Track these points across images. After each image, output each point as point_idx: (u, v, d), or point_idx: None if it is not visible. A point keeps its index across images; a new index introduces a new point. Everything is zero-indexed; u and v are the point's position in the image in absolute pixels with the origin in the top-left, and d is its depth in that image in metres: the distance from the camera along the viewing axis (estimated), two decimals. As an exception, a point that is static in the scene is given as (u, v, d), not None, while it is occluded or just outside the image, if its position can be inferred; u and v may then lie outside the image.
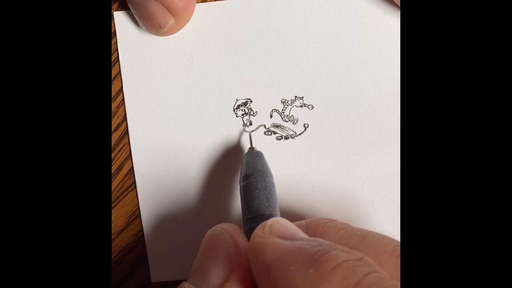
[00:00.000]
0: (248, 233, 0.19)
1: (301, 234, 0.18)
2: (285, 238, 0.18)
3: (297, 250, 0.16)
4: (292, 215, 0.26)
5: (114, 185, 0.27)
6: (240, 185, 0.23)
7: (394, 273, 0.18)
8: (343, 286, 0.15)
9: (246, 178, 0.23)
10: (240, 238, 0.20)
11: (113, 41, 0.27)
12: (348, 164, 0.26)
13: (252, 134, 0.26)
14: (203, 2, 0.26)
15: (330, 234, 0.21)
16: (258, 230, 0.18)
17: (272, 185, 0.23)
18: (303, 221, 0.22)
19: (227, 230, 0.20)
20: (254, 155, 0.24)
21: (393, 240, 0.20)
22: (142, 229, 0.27)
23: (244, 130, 0.26)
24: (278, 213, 0.22)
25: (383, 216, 0.26)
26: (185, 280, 0.20)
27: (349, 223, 0.21)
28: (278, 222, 0.19)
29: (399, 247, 0.19)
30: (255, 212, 0.21)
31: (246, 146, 0.26)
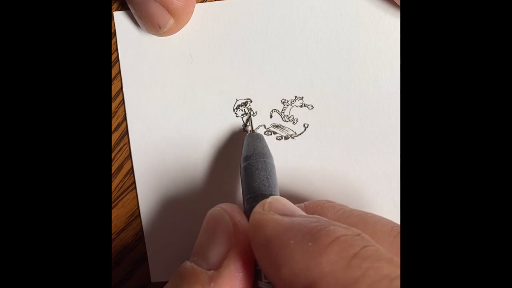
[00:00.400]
0: (248, 212, 0.20)
1: (300, 211, 0.19)
2: (284, 214, 0.18)
3: (296, 225, 0.17)
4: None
5: (114, 185, 0.27)
6: (240, 167, 0.23)
7: (390, 251, 0.18)
8: (341, 258, 0.15)
9: (246, 159, 0.23)
10: (239, 217, 0.20)
11: (113, 41, 0.27)
12: (348, 164, 0.26)
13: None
14: (203, 2, 0.26)
15: (328, 214, 0.21)
16: (258, 208, 0.19)
17: (272, 166, 0.23)
18: (302, 204, 0.22)
19: (226, 210, 0.21)
20: (255, 137, 0.24)
21: (390, 222, 0.20)
22: (142, 229, 0.27)
23: (244, 130, 0.26)
24: (278, 193, 0.23)
25: (383, 216, 0.26)
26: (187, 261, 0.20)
27: (347, 205, 0.22)
28: (278, 200, 0.19)
29: (396, 228, 0.19)
30: (256, 192, 0.22)
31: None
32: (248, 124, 0.26)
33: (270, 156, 0.24)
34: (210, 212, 0.21)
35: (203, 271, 0.19)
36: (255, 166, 0.23)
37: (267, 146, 0.24)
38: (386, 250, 0.16)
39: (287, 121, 0.26)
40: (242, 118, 0.26)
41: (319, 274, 0.15)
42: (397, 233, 0.19)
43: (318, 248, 0.15)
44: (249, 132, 0.25)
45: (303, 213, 0.19)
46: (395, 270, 0.15)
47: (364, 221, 0.20)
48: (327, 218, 0.18)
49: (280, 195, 0.24)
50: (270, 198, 0.19)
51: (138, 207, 0.27)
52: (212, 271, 0.19)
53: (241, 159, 0.24)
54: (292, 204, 0.19)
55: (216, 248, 0.20)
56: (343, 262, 0.15)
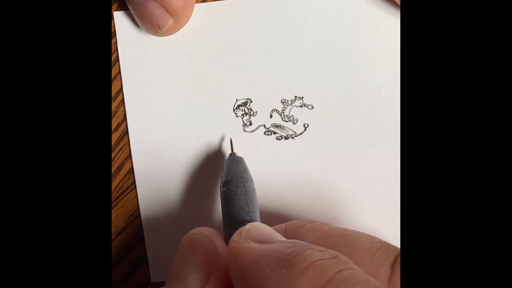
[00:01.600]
0: (228, 239, 0.19)
1: (278, 236, 0.19)
2: (261, 241, 0.18)
3: (272, 252, 0.17)
4: (290, 216, 0.26)
5: (114, 185, 0.27)
6: (220, 192, 0.23)
7: (370, 270, 0.18)
8: (314, 284, 0.15)
9: (226, 184, 0.23)
10: (219, 241, 0.20)
11: (113, 41, 0.27)
12: (348, 164, 0.26)
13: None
14: (203, 2, 0.26)
15: (308, 235, 0.21)
16: (235, 236, 0.18)
17: (252, 190, 0.23)
18: (283, 225, 0.22)
19: (206, 234, 0.20)
20: (234, 161, 0.24)
21: (370, 238, 0.20)
22: (142, 229, 0.27)
23: (244, 130, 0.26)
24: (258, 218, 0.22)
25: (383, 216, 0.26)
26: (163, 286, 0.20)
27: (329, 224, 0.21)
28: (255, 226, 0.19)
29: (375, 244, 0.19)
30: (235, 218, 0.21)
31: (227, 151, 0.26)
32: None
33: (251, 179, 0.23)
34: (188, 237, 0.21)
35: None
36: (234, 191, 0.22)
37: (247, 169, 0.24)
38: (363, 272, 0.15)
39: (287, 121, 0.26)
40: (242, 118, 0.26)
41: None
42: (376, 249, 0.19)
43: (293, 276, 0.15)
44: (228, 155, 0.25)
45: (282, 238, 0.18)
46: None
47: (344, 239, 0.20)
48: (306, 241, 0.18)
49: (279, 197, 0.24)
50: (248, 225, 0.19)
51: (138, 207, 0.27)
52: None
53: (220, 184, 0.23)
54: (271, 230, 0.19)
55: (195, 273, 0.19)
56: None
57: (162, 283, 0.27)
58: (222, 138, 0.27)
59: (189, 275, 0.19)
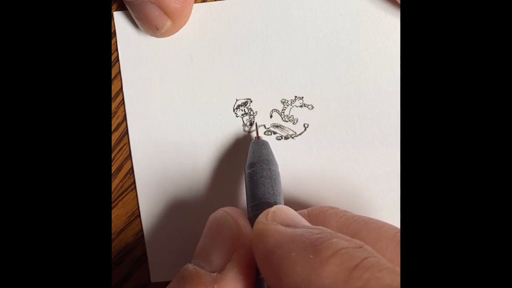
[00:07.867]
0: (252, 219, 0.19)
1: (304, 221, 0.19)
2: (287, 225, 0.18)
3: (299, 237, 0.17)
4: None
5: (114, 185, 0.27)
6: (245, 173, 0.23)
7: (394, 257, 0.19)
8: (342, 270, 0.15)
9: (251, 166, 0.23)
10: (242, 220, 0.20)
11: (113, 41, 0.27)
12: (348, 164, 0.26)
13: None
14: (203, 2, 0.26)
15: (331, 221, 0.21)
16: (261, 217, 0.19)
17: (277, 174, 0.23)
18: (305, 210, 0.22)
19: (230, 213, 0.21)
20: (260, 144, 0.24)
21: (394, 227, 0.20)
22: (142, 229, 0.27)
23: (244, 130, 0.26)
24: (282, 201, 0.22)
25: (383, 216, 0.26)
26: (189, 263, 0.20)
27: (350, 211, 0.22)
28: (281, 209, 0.19)
29: (399, 233, 0.19)
30: (260, 200, 0.22)
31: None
32: (252, 130, 0.26)
33: (275, 163, 0.23)
34: (214, 215, 0.21)
35: (206, 273, 0.19)
36: (260, 174, 0.22)
37: (273, 153, 0.24)
38: (388, 260, 0.16)
39: (287, 121, 0.26)
40: (242, 118, 0.26)
41: (320, 286, 0.15)
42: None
43: (320, 260, 0.15)
44: (254, 138, 0.25)
45: (306, 223, 0.19)
46: (397, 280, 0.15)
47: (367, 227, 0.20)
48: (330, 226, 0.18)
49: (282, 197, 0.24)
50: (274, 208, 0.19)
51: (138, 207, 0.27)
52: (215, 274, 0.19)
53: (246, 166, 0.24)
54: (296, 214, 0.19)
55: (219, 251, 0.20)
56: (344, 273, 0.15)
57: (162, 283, 0.27)
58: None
59: (213, 253, 0.20)
